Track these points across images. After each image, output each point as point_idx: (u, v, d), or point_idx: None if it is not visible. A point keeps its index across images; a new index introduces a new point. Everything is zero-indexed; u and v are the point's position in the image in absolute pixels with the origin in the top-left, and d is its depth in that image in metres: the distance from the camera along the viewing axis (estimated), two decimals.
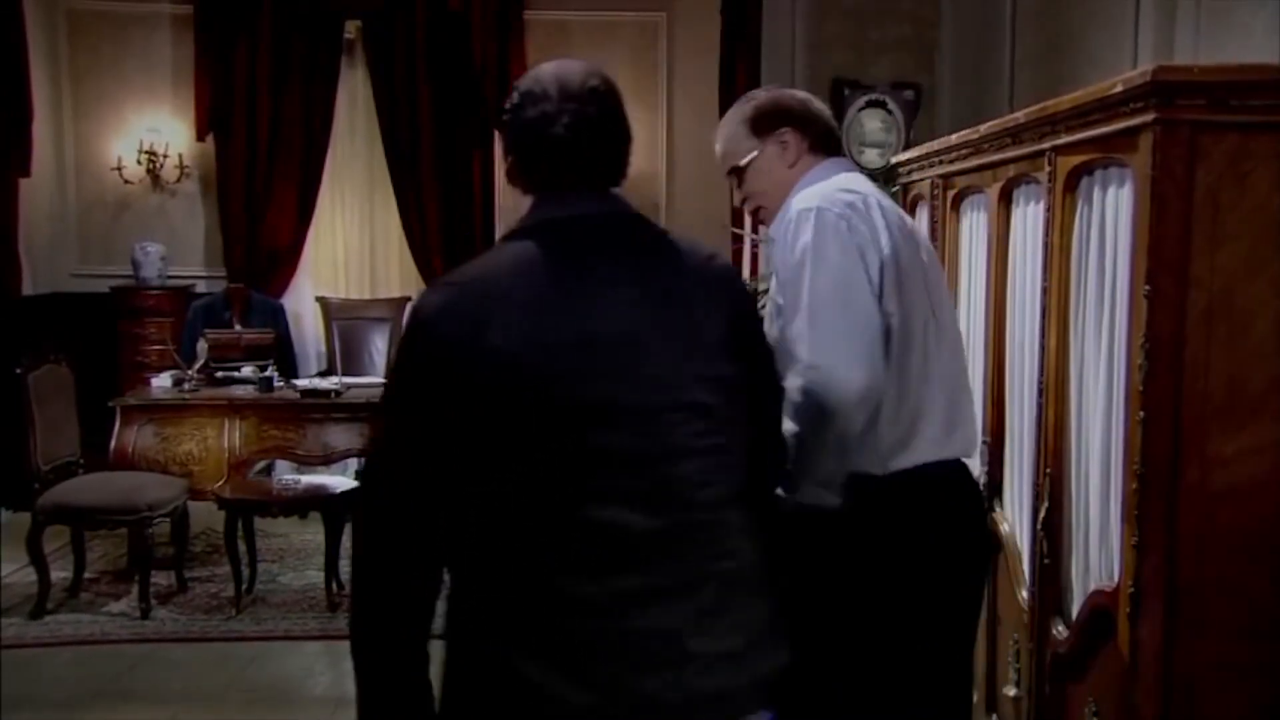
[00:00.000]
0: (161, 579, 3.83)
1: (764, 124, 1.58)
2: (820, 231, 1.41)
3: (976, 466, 2.05)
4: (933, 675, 1.46)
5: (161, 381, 4.45)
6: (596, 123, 1.15)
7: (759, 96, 1.63)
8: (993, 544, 1.57)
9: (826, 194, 1.45)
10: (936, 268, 1.56)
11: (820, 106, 1.63)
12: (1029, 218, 1.87)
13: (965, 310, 2.23)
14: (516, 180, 1.20)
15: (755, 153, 1.57)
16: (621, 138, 1.18)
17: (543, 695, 1.07)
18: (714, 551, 1.14)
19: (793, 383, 1.35)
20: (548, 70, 1.18)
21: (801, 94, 1.65)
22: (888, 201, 1.47)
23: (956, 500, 1.48)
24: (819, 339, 1.37)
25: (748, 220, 3.94)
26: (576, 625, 1.08)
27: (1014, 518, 1.95)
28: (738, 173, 1.59)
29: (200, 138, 5.56)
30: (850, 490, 1.41)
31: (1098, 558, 1.61)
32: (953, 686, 1.50)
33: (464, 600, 1.14)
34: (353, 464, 4.63)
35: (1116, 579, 1.51)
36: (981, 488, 1.60)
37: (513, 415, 1.09)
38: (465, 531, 1.12)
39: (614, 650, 1.08)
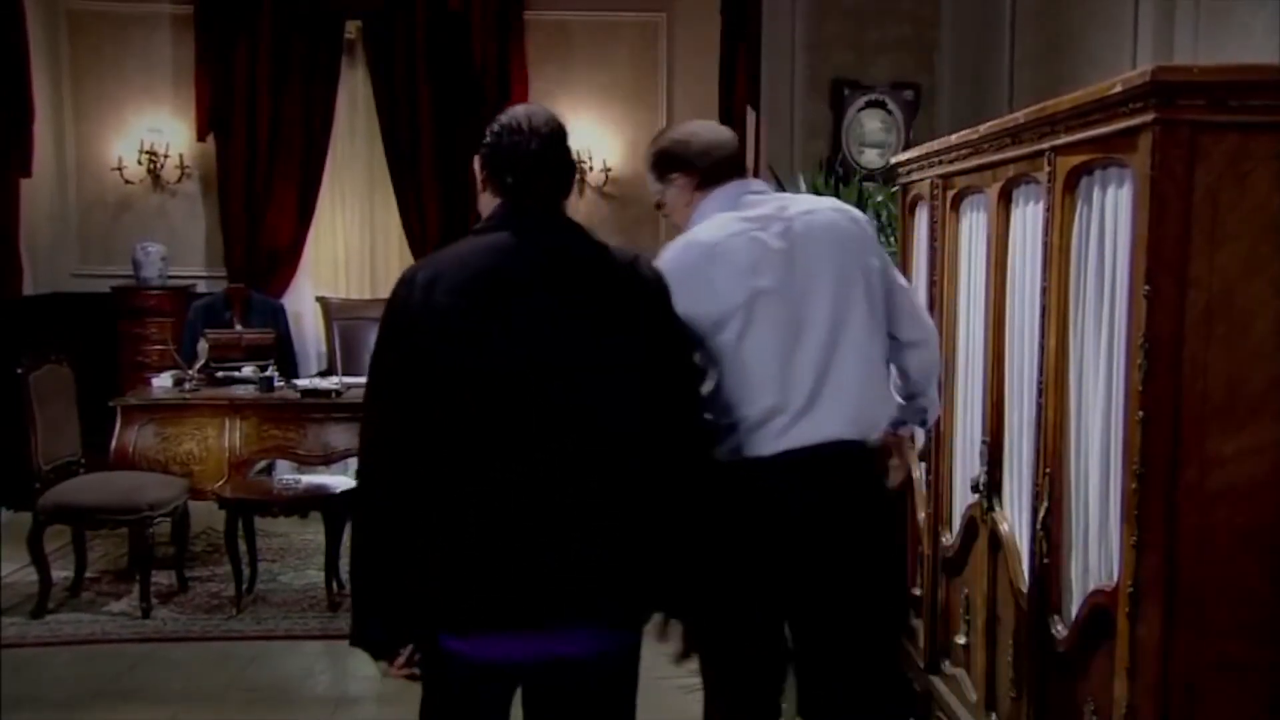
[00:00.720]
0: (162, 578, 3.83)
1: (659, 170, 1.83)
2: None
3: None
4: (736, 632, 1.75)
5: (162, 381, 4.46)
6: (553, 149, 1.52)
7: (658, 141, 1.86)
8: (824, 524, 1.74)
9: (674, 253, 1.74)
10: (823, 278, 1.73)
11: (708, 138, 1.82)
12: (1029, 218, 1.87)
13: (964, 310, 2.23)
14: (491, 188, 1.54)
15: (660, 193, 1.84)
16: (569, 164, 1.56)
17: (452, 570, 1.45)
18: (599, 494, 1.46)
19: None
20: (521, 111, 1.55)
21: (688, 130, 1.85)
22: (740, 241, 1.71)
23: (781, 486, 1.71)
24: None
25: None
26: (483, 529, 1.44)
27: (1013, 517, 1.95)
28: (659, 205, 1.88)
29: (201, 138, 5.56)
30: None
31: (1097, 557, 1.61)
32: (754, 646, 1.77)
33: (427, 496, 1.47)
34: (353, 464, 4.63)
35: (1116, 578, 1.51)
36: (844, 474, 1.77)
37: (444, 354, 1.43)
38: (427, 443, 1.44)
39: (501, 551, 1.44)
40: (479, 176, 1.55)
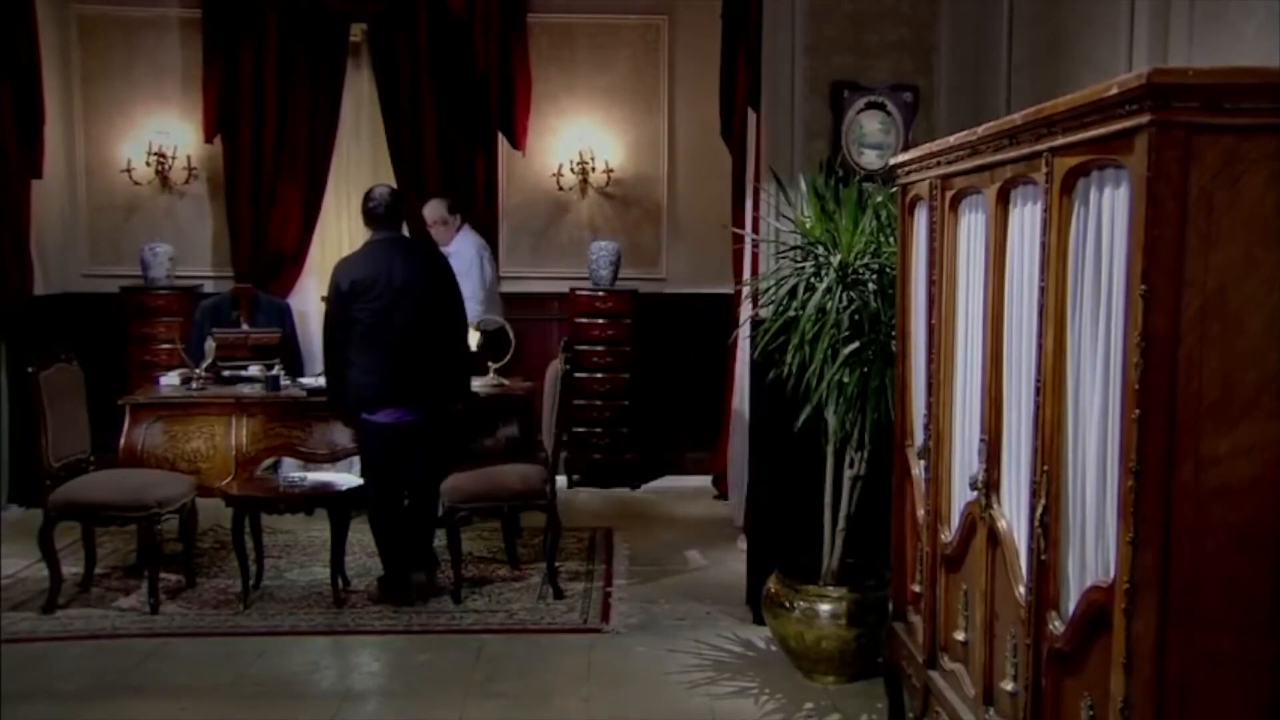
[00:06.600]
0: (170, 575, 3.87)
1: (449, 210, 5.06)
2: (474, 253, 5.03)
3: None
4: None
5: (169, 380, 4.49)
6: (389, 207, 3.86)
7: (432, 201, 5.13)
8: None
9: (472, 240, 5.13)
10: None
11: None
12: (1026, 218, 1.89)
13: (963, 309, 2.25)
14: (368, 224, 3.88)
15: (445, 221, 5.01)
16: (399, 210, 3.94)
17: (363, 385, 3.77)
18: (421, 353, 3.76)
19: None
20: (373, 192, 3.90)
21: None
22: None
23: None
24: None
25: (748, 222, 4.10)
26: (372, 369, 3.73)
27: (1011, 515, 1.97)
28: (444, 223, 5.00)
29: (208, 140, 5.60)
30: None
31: (1094, 554, 1.63)
32: None
33: (349, 354, 3.79)
34: (357, 461, 4.66)
35: (1112, 575, 1.53)
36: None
37: (357, 301, 3.71)
38: (349, 336, 3.75)
39: (381, 376, 3.74)
40: (365, 223, 3.85)
